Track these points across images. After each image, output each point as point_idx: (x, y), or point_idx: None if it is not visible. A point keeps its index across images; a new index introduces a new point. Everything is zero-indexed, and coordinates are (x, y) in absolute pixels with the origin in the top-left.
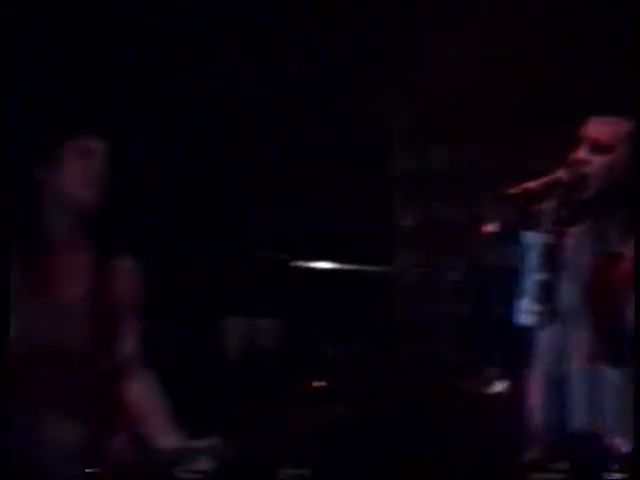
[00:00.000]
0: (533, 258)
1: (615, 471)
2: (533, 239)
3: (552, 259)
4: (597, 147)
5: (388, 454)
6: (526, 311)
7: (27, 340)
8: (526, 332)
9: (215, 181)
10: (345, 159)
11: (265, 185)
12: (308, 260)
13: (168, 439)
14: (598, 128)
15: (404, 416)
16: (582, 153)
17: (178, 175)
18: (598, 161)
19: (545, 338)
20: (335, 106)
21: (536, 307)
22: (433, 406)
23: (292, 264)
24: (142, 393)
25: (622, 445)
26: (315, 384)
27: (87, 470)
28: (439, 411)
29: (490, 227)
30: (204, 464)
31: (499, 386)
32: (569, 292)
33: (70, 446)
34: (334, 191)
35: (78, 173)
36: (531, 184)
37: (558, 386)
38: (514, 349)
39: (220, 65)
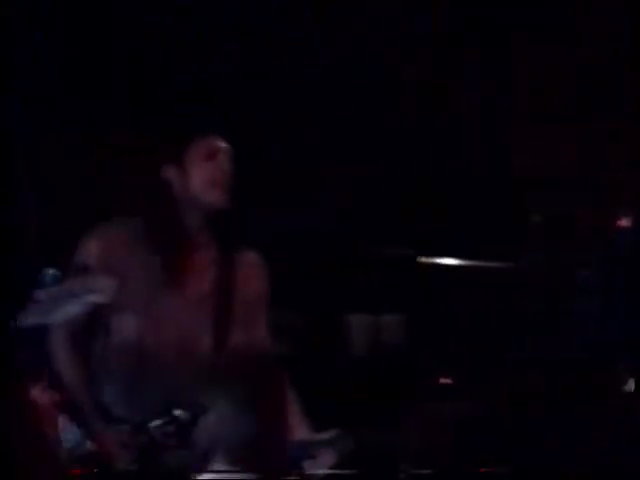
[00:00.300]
0: None
1: None
2: None
3: None
4: None
5: (513, 451)
6: None
7: (157, 336)
8: None
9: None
10: (469, 157)
11: (394, 184)
12: (434, 256)
13: (298, 431)
14: None
15: (529, 413)
16: None
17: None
18: None
19: None
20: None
21: None
22: (559, 404)
23: (419, 260)
24: (274, 386)
25: None
26: (442, 381)
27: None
28: (566, 409)
29: (619, 222)
30: (328, 457)
31: (629, 384)
32: None
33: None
34: (460, 188)
35: (204, 174)
36: None
37: None
38: None
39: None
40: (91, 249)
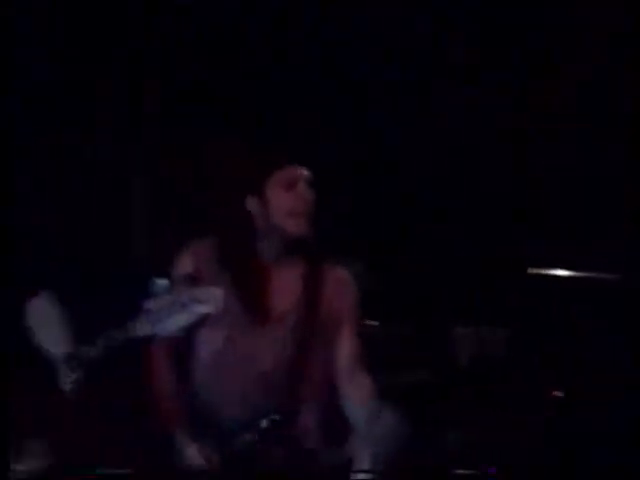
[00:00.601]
0: None
1: None
2: None
3: None
4: None
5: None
6: None
7: (238, 355)
8: None
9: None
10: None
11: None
12: (545, 267)
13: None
14: None
15: None
16: None
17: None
18: None
19: None
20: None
21: None
22: None
23: (529, 270)
24: (361, 397)
25: None
26: (555, 393)
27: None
28: None
29: None
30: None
31: None
32: None
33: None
34: (570, 198)
35: (285, 204)
36: None
37: None
38: None
39: None
40: (190, 262)
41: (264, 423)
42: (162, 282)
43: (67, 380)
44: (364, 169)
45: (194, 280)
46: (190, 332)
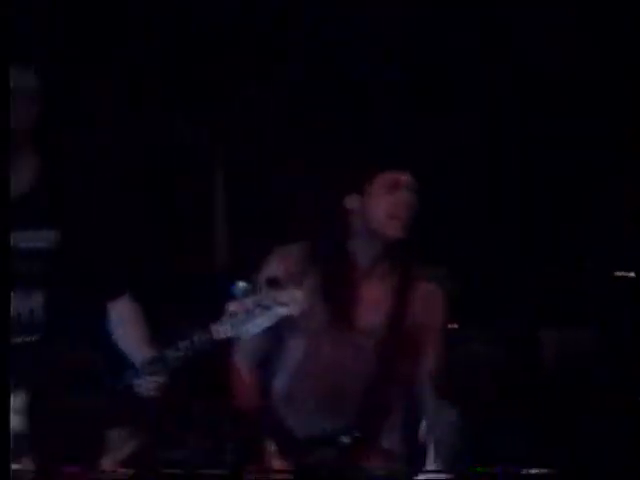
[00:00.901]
0: None
1: None
2: None
3: None
4: None
5: None
6: None
7: (324, 363)
8: None
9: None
10: None
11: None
12: (630, 269)
13: None
14: None
15: None
16: None
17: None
18: None
19: None
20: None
21: None
22: None
23: (615, 272)
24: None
25: None
26: None
27: None
28: None
29: None
30: None
31: None
32: None
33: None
34: None
35: (385, 206)
36: None
37: None
38: None
39: None
40: (276, 265)
41: (345, 439)
42: (244, 285)
43: (149, 384)
44: (446, 172)
45: (278, 283)
46: (274, 339)
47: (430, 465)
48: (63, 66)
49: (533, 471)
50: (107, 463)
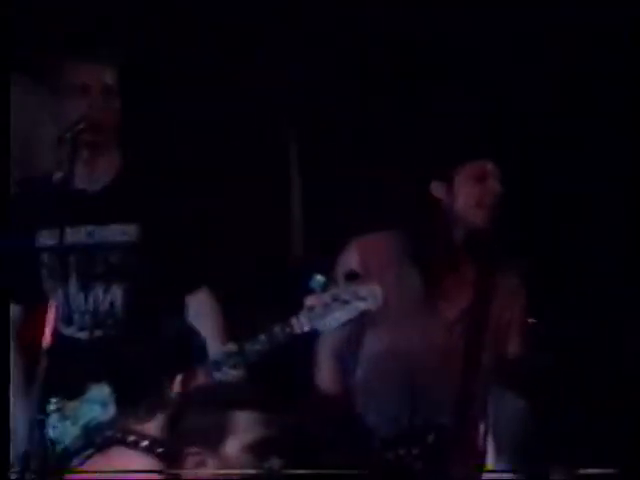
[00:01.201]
0: None
1: None
2: None
3: None
4: None
5: None
6: None
7: (410, 352)
8: None
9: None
10: None
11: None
12: None
13: None
14: None
15: None
16: None
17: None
18: None
19: None
20: None
21: None
22: None
23: None
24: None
25: None
26: None
27: None
28: None
29: None
30: None
31: None
32: None
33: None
34: None
35: (473, 195)
36: None
37: None
38: None
39: None
40: (355, 258)
41: (430, 438)
42: (322, 278)
43: (227, 376)
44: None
45: (357, 277)
46: (354, 333)
47: (491, 457)
48: (144, 63)
49: (595, 471)
50: (231, 447)
